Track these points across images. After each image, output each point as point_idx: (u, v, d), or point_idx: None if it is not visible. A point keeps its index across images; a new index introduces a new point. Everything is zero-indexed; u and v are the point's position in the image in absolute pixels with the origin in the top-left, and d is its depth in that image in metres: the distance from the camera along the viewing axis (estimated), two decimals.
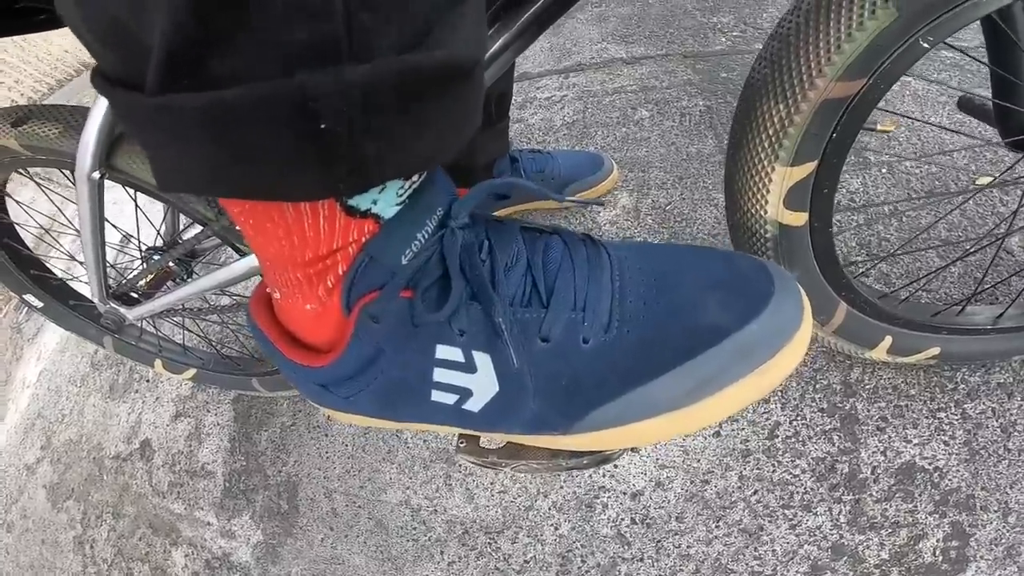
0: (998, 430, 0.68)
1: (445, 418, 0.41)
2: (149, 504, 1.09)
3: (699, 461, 0.77)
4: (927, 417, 0.71)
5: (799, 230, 0.56)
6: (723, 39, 1.37)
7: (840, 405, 0.75)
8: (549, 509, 0.81)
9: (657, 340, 0.36)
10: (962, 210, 0.87)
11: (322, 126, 0.24)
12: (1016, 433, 0.68)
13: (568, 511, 0.80)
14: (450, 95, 0.28)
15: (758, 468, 0.74)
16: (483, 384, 0.38)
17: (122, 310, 0.88)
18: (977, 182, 0.89)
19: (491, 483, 0.86)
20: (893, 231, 0.89)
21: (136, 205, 0.78)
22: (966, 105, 0.65)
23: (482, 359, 0.37)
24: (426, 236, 0.35)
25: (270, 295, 0.41)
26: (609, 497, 0.79)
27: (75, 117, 0.67)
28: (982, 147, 0.92)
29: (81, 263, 0.81)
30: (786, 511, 0.71)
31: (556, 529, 0.80)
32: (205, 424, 1.14)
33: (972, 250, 0.80)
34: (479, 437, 0.45)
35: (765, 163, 0.53)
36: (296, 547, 0.93)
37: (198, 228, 0.91)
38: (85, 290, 0.90)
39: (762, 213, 0.56)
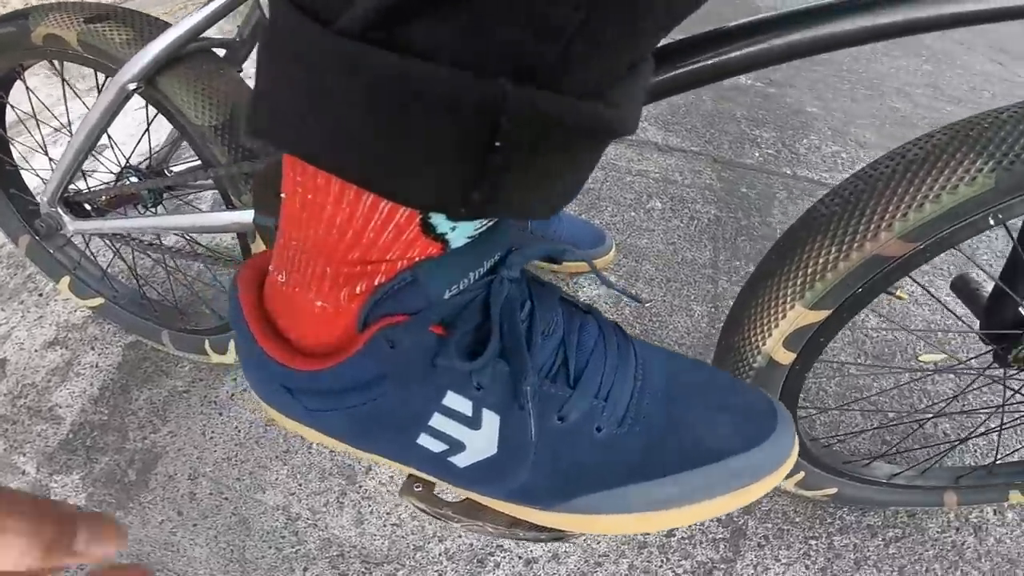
0: (852, 562, 0.87)
1: (421, 463, 0.43)
2: None
3: (599, 543, 0.85)
4: (800, 542, 0.89)
5: (782, 368, 0.65)
6: (757, 154, 1.58)
7: (735, 519, 0.91)
8: (440, 555, 0.84)
9: (663, 446, 0.41)
10: (897, 381, 1.08)
11: (496, 144, 0.24)
12: (865, 567, 0.87)
13: (458, 561, 0.83)
14: (595, 153, 0.31)
15: (648, 561, 0.86)
16: (480, 443, 0.40)
17: (66, 218, 0.92)
18: (920, 358, 1.07)
19: (387, 513, 0.89)
20: (833, 385, 1.09)
21: (148, 126, 0.85)
22: (960, 286, 0.79)
23: (490, 419, 0.39)
24: (476, 277, 0.37)
25: (267, 271, 0.41)
26: (504, 557, 0.84)
27: (150, 29, 0.78)
28: (945, 331, 1.15)
29: (50, 158, 0.85)
30: None
31: None
32: (81, 362, 1.11)
33: (892, 423, 1.02)
34: (434, 485, 0.47)
35: (788, 299, 0.59)
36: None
37: (191, 164, 0.97)
38: (34, 185, 0.92)
39: (760, 344, 0.64)
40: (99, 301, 1.12)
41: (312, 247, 0.35)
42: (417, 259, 0.34)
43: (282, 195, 0.35)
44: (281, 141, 0.28)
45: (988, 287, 0.77)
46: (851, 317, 0.61)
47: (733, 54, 0.47)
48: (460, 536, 0.86)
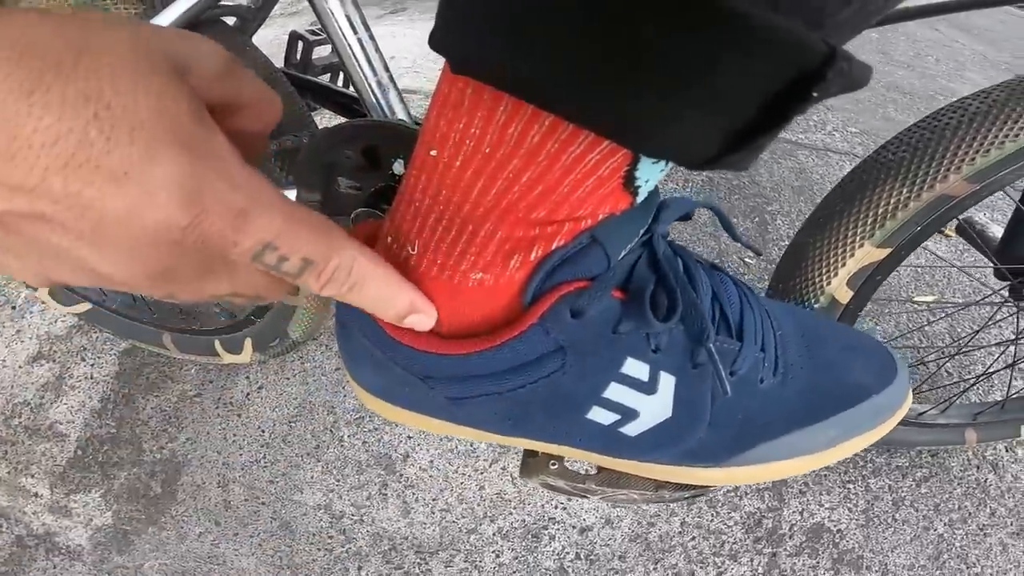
0: (890, 503, 0.93)
1: (588, 439, 0.41)
2: None
3: (649, 503, 0.85)
4: (839, 487, 0.94)
5: (839, 307, 0.69)
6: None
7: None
8: (494, 535, 0.83)
9: (816, 390, 0.42)
10: (897, 322, 1.14)
11: (814, 94, 0.22)
12: (903, 507, 0.92)
13: (513, 539, 0.83)
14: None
15: (699, 516, 0.89)
16: (655, 408, 0.38)
17: None
18: (915, 299, 1.13)
19: (433, 499, 0.87)
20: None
21: None
22: (965, 229, 0.85)
23: (666, 381, 0.38)
24: (640, 234, 0.35)
25: (380, 247, 0.36)
26: (558, 529, 0.84)
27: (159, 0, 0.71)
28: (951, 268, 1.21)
29: None
30: (716, 559, 0.86)
31: (497, 556, 0.82)
32: (73, 374, 1.04)
33: (925, 359, 1.08)
34: (564, 458, 0.46)
35: (857, 238, 0.64)
36: (159, 538, 0.87)
37: None
38: None
39: (824, 284, 0.67)
40: (86, 307, 1.04)
41: (477, 209, 0.30)
42: (602, 216, 0.32)
43: (432, 152, 0.30)
44: (501, 74, 0.24)
45: (993, 228, 0.83)
46: (908, 255, 0.65)
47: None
48: (511, 513, 0.86)
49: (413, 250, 0.33)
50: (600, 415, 0.39)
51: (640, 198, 0.32)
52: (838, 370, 0.44)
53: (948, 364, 1.08)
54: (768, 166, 1.45)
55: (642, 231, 0.35)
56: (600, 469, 0.46)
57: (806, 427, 0.42)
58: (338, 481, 0.91)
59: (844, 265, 0.65)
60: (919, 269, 1.23)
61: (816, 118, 1.65)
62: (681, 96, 0.23)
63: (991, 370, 0.99)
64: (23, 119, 0.18)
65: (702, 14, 0.20)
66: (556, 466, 0.46)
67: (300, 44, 0.94)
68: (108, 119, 0.20)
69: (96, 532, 0.87)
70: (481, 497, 0.89)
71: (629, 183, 0.30)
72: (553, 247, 0.32)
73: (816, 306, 0.69)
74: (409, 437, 0.96)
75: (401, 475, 0.91)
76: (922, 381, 1.02)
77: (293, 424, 0.98)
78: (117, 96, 0.20)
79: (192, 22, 0.68)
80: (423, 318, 0.32)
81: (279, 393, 1.02)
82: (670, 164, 0.32)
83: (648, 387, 0.38)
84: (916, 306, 1.15)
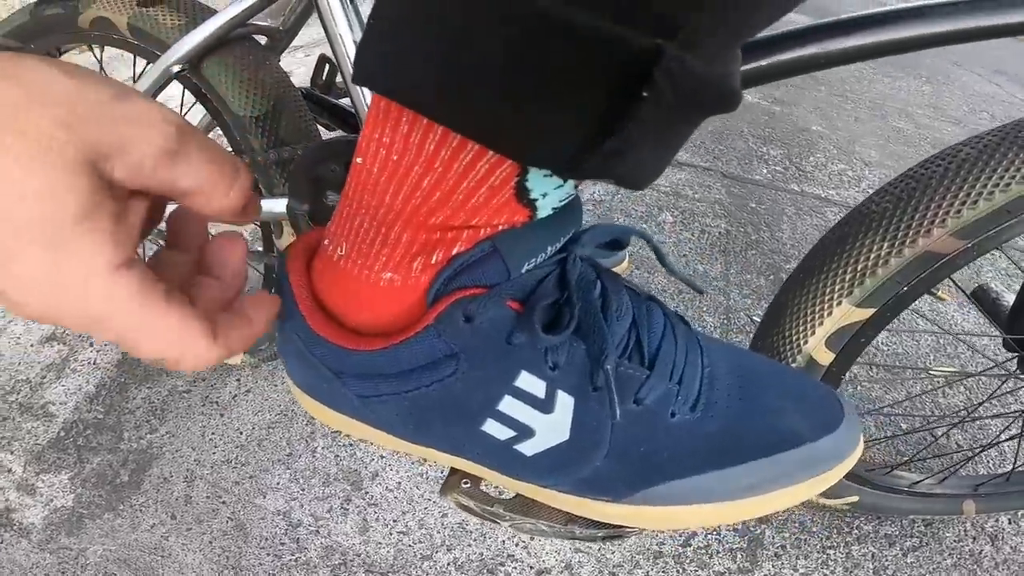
0: (871, 571, 0.86)
1: (482, 454, 0.40)
2: None
3: (613, 553, 0.81)
4: (818, 552, 0.87)
5: (819, 369, 0.64)
6: (765, 170, 1.58)
7: (752, 528, 0.89)
8: (448, 564, 0.79)
9: (739, 432, 0.39)
10: (909, 391, 1.07)
11: (644, 94, 0.24)
12: None
13: (468, 571, 0.79)
14: (696, 125, 0.30)
15: (664, 571, 0.83)
16: (551, 428, 0.37)
17: None
18: (932, 371, 1.05)
19: (394, 520, 0.84)
20: (848, 395, 1.07)
21: (183, 113, 0.83)
22: (981, 295, 0.80)
23: (564, 401, 0.37)
24: (551, 252, 0.36)
25: (319, 247, 0.38)
26: (515, 567, 0.80)
27: (201, 15, 0.77)
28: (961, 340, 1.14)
29: None
30: None
31: None
32: (79, 358, 1.06)
33: (908, 431, 1.01)
34: (481, 481, 0.45)
35: (834, 296, 0.59)
36: (112, 525, 0.87)
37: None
38: None
39: (801, 343, 0.63)
40: None
41: (388, 212, 0.32)
42: (501, 227, 0.33)
43: (357, 160, 0.32)
44: (392, 87, 0.26)
45: (1008, 297, 0.78)
46: (894, 317, 0.59)
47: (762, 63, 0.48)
48: (469, 545, 0.82)
49: (342, 251, 0.35)
50: (495, 429, 0.38)
51: (541, 212, 0.33)
52: (768, 414, 0.40)
53: (954, 434, 1.01)
54: (792, 221, 1.40)
55: (553, 247, 0.35)
56: (514, 496, 0.44)
57: (719, 470, 0.39)
58: (303, 490, 0.88)
59: (821, 324, 0.61)
60: (940, 339, 1.15)
61: (851, 174, 1.59)
62: (518, 96, 0.24)
63: (995, 441, 0.91)
64: None
65: (515, 16, 0.22)
66: (468, 485, 0.44)
67: (327, 67, 0.98)
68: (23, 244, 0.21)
69: (53, 513, 0.87)
70: (442, 524, 0.85)
71: (522, 195, 0.31)
72: (453, 252, 0.33)
73: (793, 366, 0.64)
74: (382, 456, 0.93)
75: (366, 492, 0.88)
76: (923, 448, 0.96)
77: (271, 429, 0.97)
78: (11, 185, 0.20)
79: (224, 38, 0.72)
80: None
81: (264, 398, 1.02)
82: (569, 182, 0.33)
83: (544, 405, 0.37)
84: (934, 377, 1.07)
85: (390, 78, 0.26)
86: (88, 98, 0.22)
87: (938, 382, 1.05)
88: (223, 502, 0.87)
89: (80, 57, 1.70)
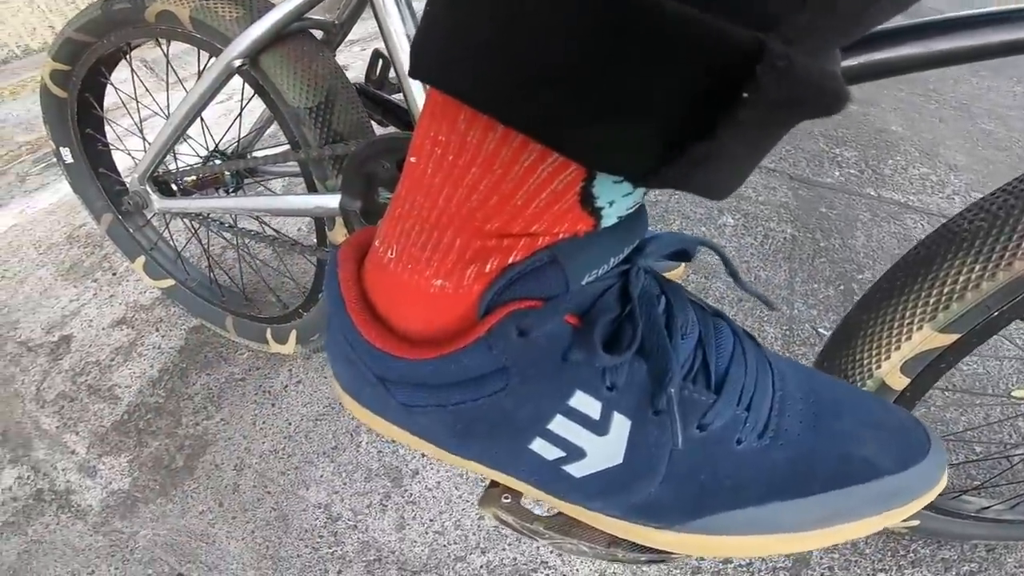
0: None
1: (528, 472, 0.38)
2: (20, 408, 1.06)
3: (649, 566, 0.75)
4: (869, 574, 0.80)
5: (891, 393, 0.60)
6: (837, 173, 1.48)
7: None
8: (481, 567, 0.78)
9: (808, 462, 0.37)
10: (987, 415, 0.97)
11: (744, 95, 0.21)
12: None
13: (500, 575, 0.75)
14: (788, 123, 0.27)
15: None
16: (605, 451, 0.35)
17: (153, 196, 0.94)
18: (1013, 394, 0.97)
19: (431, 520, 0.83)
20: (918, 416, 0.95)
21: (241, 108, 0.85)
22: None
23: (620, 424, 0.34)
24: (613, 263, 0.33)
25: (371, 248, 0.36)
26: (548, 574, 0.75)
27: (259, 8, 0.79)
28: None
29: (145, 140, 0.87)
30: None
31: None
32: (145, 342, 1.11)
33: (983, 457, 0.93)
34: (522, 495, 0.43)
35: (915, 320, 0.55)
36: (164, 509, 0.90)
37: (277, 149, 0.97)
38: (123, 166, 0.94)
39: (873, 367, 0.59)
40: (170, 283, 1.12)
41: (441, 216, 0.30)
42: (562, 235, 0.30)
43: (411, 159, 0.30)
44: (450, 80, 0.25)
45: None
46: (980, 343, 0.53)
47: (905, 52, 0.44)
48: (504, 550, 0.80)
49: (392, 254, 0.33)
50: (543, 448, 0.36)
51: (605, 221, 0.31)
52: (844, 443, 0.37)
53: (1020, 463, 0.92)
54: (867, 228, 1.30)
55: (615, 259, 0.33)
56: (556, 513, 0.42)
57: (786, 500, 0.36)
58: (344, 484, 0.89)
59: (898, 349, 0.56)
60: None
61: (935, 178, 1.46)
62: (596, 94, 0.22)
63: None
64: None
65: (608, 8, 0.20)
66: (509, 500, 0.42)
67: (380, 62, 0.99)
68: None
69: (109, 496, 0.91)
70: (479, 527, 0.83)
71: (587, 201, 0.29)
72: (509, 261, 0.31)
73: (863, 388, 0.60)
74: (424, 455, 0.93)
75: (406, 490, 0.88)
76: (998, 474, 0.89)
77: (318, 422, 0.98)
78: None
79: (281, 33, 0.74)
80: None
81: (314, 390, 1.03)
82: (640, 189, 0.30)
83: (598, 427, 0.34)
84: (1016, 401, 0.98)
85: (448, 71, 0.25)
86: None
87: (1020, 407, 0.95)
88: (268, 492, 0.89)
89: (150, 53, 1.79)
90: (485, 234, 0.30)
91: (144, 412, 1.01)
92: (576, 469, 0.36)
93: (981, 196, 0.54)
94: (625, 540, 0.41)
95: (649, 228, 1.30)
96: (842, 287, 1.18)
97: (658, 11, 0.20)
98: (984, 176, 1.50)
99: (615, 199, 0.30)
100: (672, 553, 0.41)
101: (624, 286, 0.34)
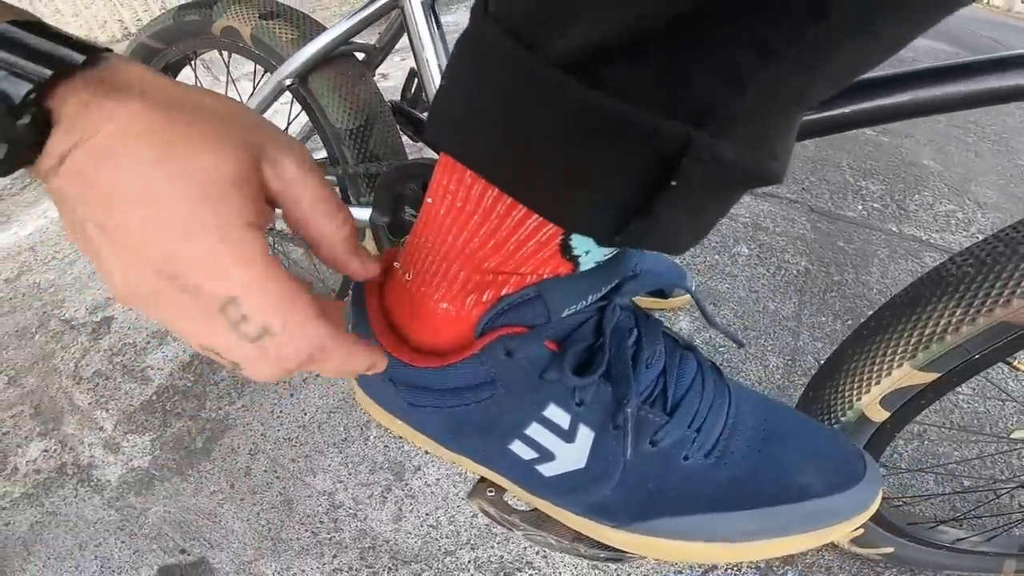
0: None
1: (506, 469, 0.44)
2: (56, 384, 1.15)
3: (629, 573, 0.79)
4: None
5: (870, 425, 0.64)
6: (860, 206, 1.49)
7: (775, 569, 0.86)
8: (468, 562, 0.83)
9: (748, 482, 0.42)
10: (981, 451, 1.00)
11: (672, 183, 0.25)
12: None
13: (486, 571, 0.82)
14: (737, 198, 0.31)
15: None
16: (570, 456, 0.41)
17: None
18: (1013, 435, 0.97)
19: (426, 514, 0.88)
20: (910, 449, 1.00)
21: (288, 121, 0.92)
22: None
23: (585, 434, 0.40)
24: (592, 299, 0.39)
25: (392, 268, 0.42)
26: (532, 574, 0.80)
27: (311, 31, 0.86)
28: None
29: None
30: None
31: None
32: None
33: (969, 490, 0.95)
34: (505, 491, 0.49)
35: (896, 357, 0.58)
36: (178, 488, 0.97)
37: (318, 158, 1.04)
38: None
39: (854, 398, 0.62)
40: None
41: (449, 251, 0.36)
42: (546, 276, 0.36)
43: (428, 200, 0.36)
44: (456, 149, 0.30)
45: None
46: (960, 383, 0.57)
47: (862, 105, 0.47)
48: (492, 547, 0.85)
49: (409, 276, 0.40)
50: (521, 449, 0.42)
51: (583, 266, 0.36)
52: (782, 468, 0.42)
53: (1019, 494, 0.94)
54: (883, 264, 1.31)
55: (594, 297, 0.39)
56: (531, 509, 0.49)
57: (721, 512, 0.41)
58: (350, 474, 0.95)
59: (878, 383, 0.60)
60: None
61: (961, 215, 1.46)
62: (563, 171, 0.27)
63: None
64: (127, 154, 0.24)
65: (563, 101, 0.25)
66: (492, 494, 0.49)
67: (415, 81, 1.05)
68: (169, 164, 0.25)
69: (128, 472, 0.99)
70: (471, 524, 0.88)
71: (566, 251, 0.35)
72: (502, 294, 0.37)
73: (843, 419, 0.64)
74: (426, 453, 0.98)
75: (407, 484, 0.94)
76: (979, 505, 0.92)
77: (332, 414, 1.05)
78: (188, 150, 0.25)
79: (329, 55, 0.80)
80: (378, 368, 0.36)
81: (330, 384, 1.10)
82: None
83: (567, 435, 0.41)
84: (1015, 443, 0.98)
85: (456, 141, 0.30)
86: (248, 114, 0.29)
87: (1015, 445, 0.96)
88: (277, 477, 0.96)
89: (208, 53, 1.88)
90: (483, 270, 0.36)
91: (172, 394, 1.09)
92: (546, 469, 0.42)
93: None
94: (587, 537, 0.46)
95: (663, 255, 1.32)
96: (850, 322, 1.19)
97: (603, 109, 0.24)
98: (1012, 215, 1.50)
99: (590, 249, 0.35)
100: (626, 552, 0.47)
101: (600, 320, 0.39)
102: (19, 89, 0.23)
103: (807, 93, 0.26)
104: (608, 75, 0.24)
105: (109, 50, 0.27)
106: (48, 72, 0.24)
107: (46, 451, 1.01)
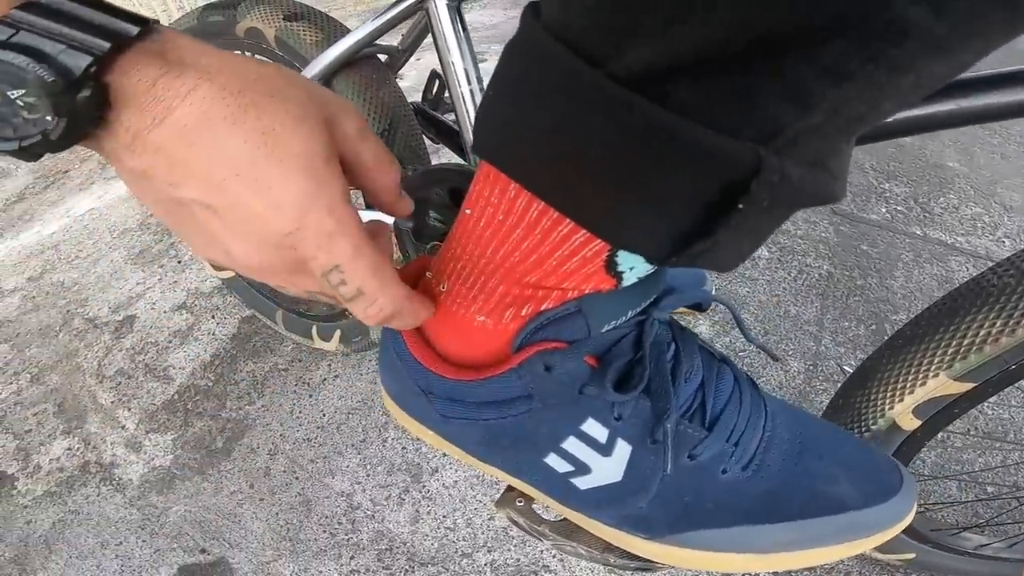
0: None
1: (542, 481, 0.44)
2: (80, 382, 1.17)
3: (637, 574, 0.78)
4: None
5: (901, 433, 0.63)
6: (884, 209, 1.46)
7: (795, 573, 0.86)
8: (485, 565, 0.83)
9: (784, 494, 0.42)
10: (1005, 458, 0.98)
11: (739, 206, 0.25)
12: None
13: (503, 574, 0.80)
14: (787, 215, 0.31)
15: None
16: (607, 469, 0.41)
17: None
18: None
19: (444, 516, 0.88)
20: (934, 456, 0.98)
21: None
22: None
23: (622, 448, 0.40)
24: (631, 315, 0.38)
25: (424, 278, 0.42)
26: None
27: (335, 32, 0.86)
28: None
29: None
30: None
31: None
32: (201, 328, 1.20)
33: (992, 496, 0.94)
34: (534, 500, 0.49)
35: (931, 367, 0.57)
36: (199, 487, 0.98)
37: None
38: None
39: (886, 407, 0.62)
40: (230, 274, 1.22)
41: (488, 264, 0.36)
42: (587, 291, 0.35)
43: (466, 211, 0.36)
44: (505, 161, 0.30)
45: None
46: (995, 393, 0.56)
47: (910, 114, 0.47)
48: (509, 550, 0.85)
49: (443, 287, 0.39)
50: (556, 462, 0.42)
51: (626, 282, 0.35)
52: (818, 480, 0.42)
53: None
54: (907, 268, 1.29)
55: (633, 312, 0.38)
56: (561, 519, 0.48)
57: (757, 524, 0.41)
58: (368, 476, 0.96)
59: (912, 393, 0.59)
60: None
61: (987, 219, 1.42)
62: (622, 190, 0.27)
63: None
64: (223, 140, 0.26)
65: (628, 123, 0.24)
66: (522, 504, 0.49)
67: (437, 82, 1.05)
68: (273, 149, 0.27)
69: (150, 471, 1.00)
70: (488, 527, 0.88)
71: (611, 267, 0.34)
72: (542, 308, 0.36)
73: (874, 428, 0.63)
74: (444, 455, 0.98)
75: (424, 486, 0.94)
76: (1003, 512, 0.90)
77: (351, 415, 1.05)
78: (284, 134, 0.27)
79: (353, 57, 0.80)
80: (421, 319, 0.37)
81: (349, 385, 1.10)
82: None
83: (604, 449, 0.40)
84: None
85: (506, 154, 0.30)
86: (307, 83, 0.30)
87: None
88: (296, 477, 0.96)
89: None
90: (523, 284, 0.35)
91: (193, 394, 1.10)
92: (582, 482, 0.42)
93: None
94: (617, 547, 0.46)
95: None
96: (874, 327, 1.18)
97: (670, 130, 0.24)
98: None
99: (635, 265, 0.34)
100: (657, 563, 0.46)
101: (639, 335, 0.39)
102: (79, 62, 0.23)
103: (872, 112, 0.25)
104: (675, 94, 0.23)
105: (157, 21, 0.27)
106: (107, 45, 0.24)
107: (69, 449, 1.03)
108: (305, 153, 0.27)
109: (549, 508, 0.47)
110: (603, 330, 0.37)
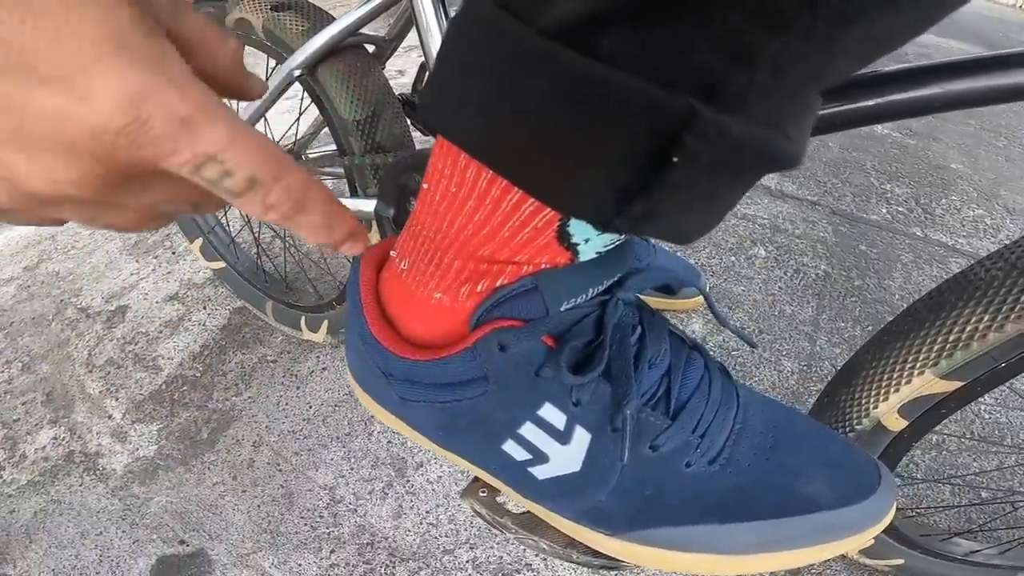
0: None
1: (499, 470, 0.42)
2: (69, 371, 1.16)
3: (602, 572, 0.77)
4: None
5: (887, 434, 0.61)
6: (884, 210, 1.44)
7: None
8: (467, 562, 0.81)
9: (753, 492, 0.39)
10: (1000, 462, 0.97)
11: (674, 159, 0.24)
12: None
13: (484, 571, 0.81)
14: (750, 185, 0.29)
15: None
16: (565, 458, 0.39)
17: None
18: None
19: (427, 511, 0.87)
20: (928, 459, 0.97)
21: (300, 112, 0.91)
22: None
23: (581, 436, 0.38)
24: (593, 294, 0.37)
25: (389, 257, 0.41)
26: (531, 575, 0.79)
27: (321, 21, 0.86)
28: None
29: None
30: None
31: None
32: (192, 318, 1.20)
33: (987, 501, 0.93)
34: (498, 492, 0.47)
35: (917, 364, 0.55)
36: (181, 478, 0.97)
37: (329, 150, 1.04)
38: None
39: (870, 406, 0.60)
40: (222, 265, 1.22)
41: (444, 238, 0.35)
42: (544, 266, 0.34)
43: (424, 185, 0.34)
44: (448, 128, 0.29)
45: None
46: (984, 392, 0.54)
47: (891, 98, 0.44)
48: (491, 548, 0.84)
49: (404, 265, 0.38)
50: (513, 449, 0.40)
51: (583, 256, 0.34)
52: (791, 477, 0.40)
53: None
54: (906, 270, 1.27)
55: (595, 290, 0.37)
56: (524, 512, 0.47)
57: (723, 524, 0.39)
58: (352, 469, 0.95)
59: (896, 391, 0.57)
60: None
61: (989, 221, 1.41)
62: (560, 149, 0.26)
63: None
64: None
65: (557, 73, 0.23)
66: (485, 494, 0.47)
67: (425, 75, 1.04)
68: (48, 25, 0.19)
69: (134, 462, 0.99)
70: (471, 523, 0.87)
71: (564, 238, 0.33)
72: (497, 284, 0.35)
73: (858, 427, 0.62)
74: (430, 450, 0.97)
75: (408, 481, 0.93)
76: (996, 518, 0.89)
77: (337, 408, 1.04)
78: (59, 3, 0.19)
79: (337, 46, 0.80)
80: (357, 245, 0.32)
81: (337, 377, 1.10)
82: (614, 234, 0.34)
83: (562, 436, 0.39)
84: None
85: (447, 120, 0.29)
86: None
87: None
88: (280, 470, 0.95)
89: None
90: (478, 258, 0.34)
91: (180, 384, 1.10)
92: (539, 471, 0.40)
93: None
94: (581, 543, 0.44)
95: (675, 253, 1.30)
96: (870, 328, 1.16)
97: (597, 79, 0.23)
98: None
99: (590, 237, 0.33)
100: (621, 561, 0.44)
101: (601, 316, 0.37)
102: None
103: (824, 70, 0.24)
104: (603, 44, 0.22)
105: None
106: None
107: (55, 439, 1.02)
108: (105, 23, 0.20)
109: (513, 500, 0.45)
110: (562, 308, 0.35)
